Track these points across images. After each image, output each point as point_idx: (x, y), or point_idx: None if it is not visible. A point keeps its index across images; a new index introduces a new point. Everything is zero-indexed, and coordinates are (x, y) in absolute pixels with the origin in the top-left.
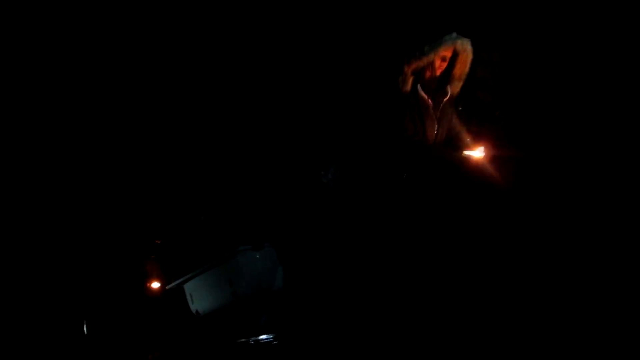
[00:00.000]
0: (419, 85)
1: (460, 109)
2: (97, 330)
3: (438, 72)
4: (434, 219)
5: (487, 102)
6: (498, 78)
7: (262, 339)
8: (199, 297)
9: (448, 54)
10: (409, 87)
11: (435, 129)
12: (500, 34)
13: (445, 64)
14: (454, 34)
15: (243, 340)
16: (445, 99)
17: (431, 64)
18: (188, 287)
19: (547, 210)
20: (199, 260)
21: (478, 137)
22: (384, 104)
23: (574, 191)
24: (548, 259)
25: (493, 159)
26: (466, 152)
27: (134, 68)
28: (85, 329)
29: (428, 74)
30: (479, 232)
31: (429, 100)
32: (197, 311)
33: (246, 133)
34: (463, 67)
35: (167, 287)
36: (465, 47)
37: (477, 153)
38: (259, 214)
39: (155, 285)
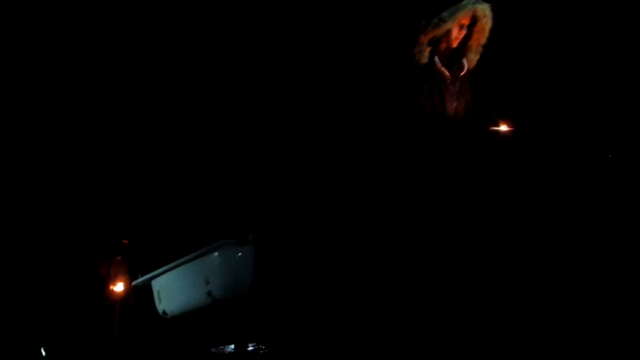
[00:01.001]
0: (436, 57)
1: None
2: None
3: (455, 44)
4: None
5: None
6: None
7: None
8: (167, 295)
9: (466, 21)
10: (425, 59)
11: (454, 105)
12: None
13: (463, 34)
14: None
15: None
16: (462, 74)
17: (448, 34)
18: (156, 284)
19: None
20: (170, 255)
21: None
22: (399, 77)
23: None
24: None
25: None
26: (493, 128)
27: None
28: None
29: (444, 45)
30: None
31: (447, 74)
32: (164, 311)
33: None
34: (480, 36)
35: (133, 284)
36: (486, 13)
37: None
38: (246, 204)
39: (119, 288)
